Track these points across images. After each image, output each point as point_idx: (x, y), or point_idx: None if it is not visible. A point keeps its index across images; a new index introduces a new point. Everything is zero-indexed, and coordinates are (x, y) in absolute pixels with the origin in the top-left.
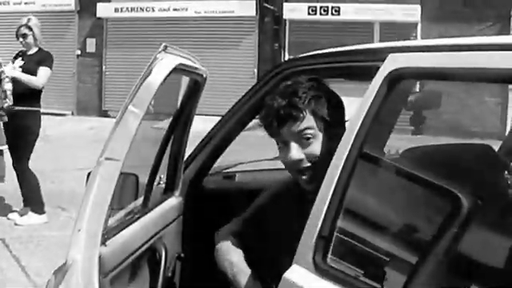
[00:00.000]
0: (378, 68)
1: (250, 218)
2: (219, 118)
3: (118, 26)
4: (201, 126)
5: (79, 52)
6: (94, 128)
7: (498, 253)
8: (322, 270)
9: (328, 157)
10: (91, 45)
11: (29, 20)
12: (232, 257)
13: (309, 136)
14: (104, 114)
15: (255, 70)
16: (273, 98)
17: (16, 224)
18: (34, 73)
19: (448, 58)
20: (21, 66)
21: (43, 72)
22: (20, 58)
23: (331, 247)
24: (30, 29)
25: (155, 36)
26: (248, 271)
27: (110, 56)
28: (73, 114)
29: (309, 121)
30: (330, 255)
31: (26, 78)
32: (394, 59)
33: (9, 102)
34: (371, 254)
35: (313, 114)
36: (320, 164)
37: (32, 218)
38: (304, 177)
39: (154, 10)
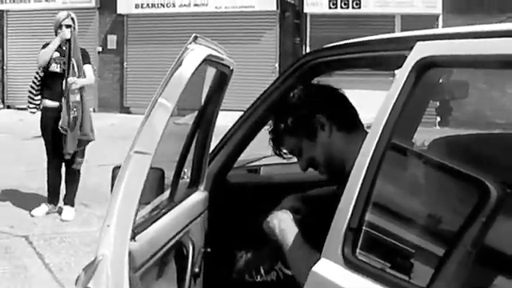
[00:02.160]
0: (405, 57)
1: (307, 197)
2: (241, 113)
3: (139, 22)
4: (223, 121)
5: (100, 49)
6: (115, 125)
7: None
8: (351, 264)
9: None
10: (112, 41)
11: (69, 14)
12: (280, 215)
13: None
14: (126, 110)
15: (276, 65)
16: None
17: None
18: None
19: (478, 44)
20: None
21: (90, 71)
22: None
23: (360, 240)
24: (74, 21)
25: (176, 32)
26: (296, 229)
27: (131, 52)
28: (94, 110)
29: None
30: (359, 248)
31: (84, 82)
32: (422, 47)
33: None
34: (400, 246)
35: None
36: None
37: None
38: None
39: (174, 6)
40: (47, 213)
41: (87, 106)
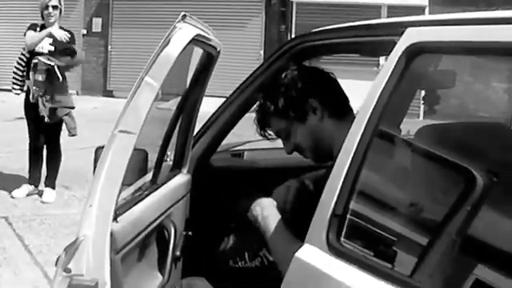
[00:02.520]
0: (395, 43)
1: (294, 182)
2: (224, 100)
3: (124, 5)
4: (205, 107)
5: (85, 31)
6: (98, 108)
7: None
8: (335, 250)
9: None
10: (97, 24)
11: None
12: (263, 202)
13: None
14: (109, 93)
15: (261, 52)
16: None
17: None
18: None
19: (468, 31)
20: (51, 44)
21: (81, 54)
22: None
23: (345, 226)
24: (60, 2)
25: (161, 16)
26: (278, 216)
27: (115, 36)
28: (78, 93)
29: None
30: (343, 234)
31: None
32: (413, 33)
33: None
34: (385, 234)
35: None
36: None
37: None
38: None
39: None
40: (28, 194)
41: (56, 75)
